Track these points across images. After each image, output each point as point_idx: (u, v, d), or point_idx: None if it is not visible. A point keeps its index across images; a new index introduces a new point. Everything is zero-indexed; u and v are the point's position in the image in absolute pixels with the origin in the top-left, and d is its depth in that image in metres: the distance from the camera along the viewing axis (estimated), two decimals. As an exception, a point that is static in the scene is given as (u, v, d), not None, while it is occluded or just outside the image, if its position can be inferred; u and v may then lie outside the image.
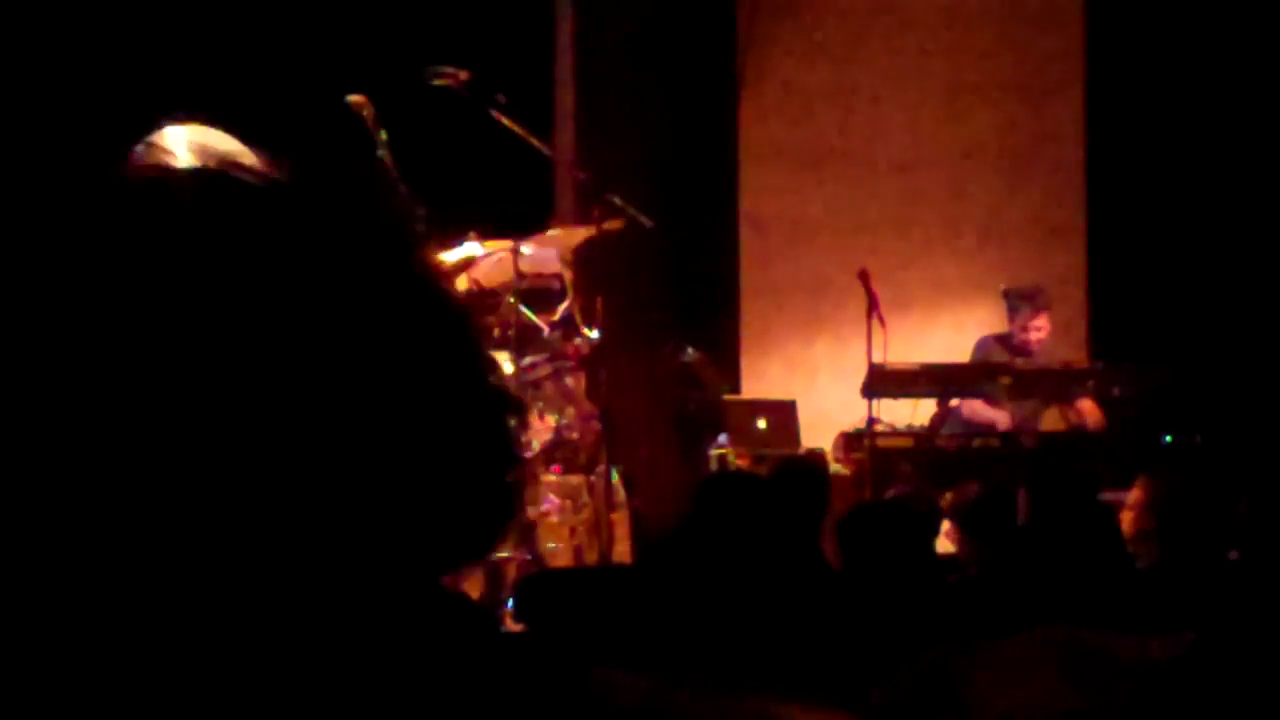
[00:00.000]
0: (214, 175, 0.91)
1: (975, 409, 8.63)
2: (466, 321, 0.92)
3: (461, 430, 0.89)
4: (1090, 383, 8.58)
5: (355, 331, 0.87)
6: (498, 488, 0.92)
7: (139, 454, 0.83)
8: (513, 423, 0.93)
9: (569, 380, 7.26)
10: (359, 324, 0.87)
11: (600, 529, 7.21)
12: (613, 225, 7.36)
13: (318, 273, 0.87)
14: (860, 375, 8.25)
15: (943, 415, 8.60)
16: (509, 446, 0.93)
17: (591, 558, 7.16)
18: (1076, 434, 8.49)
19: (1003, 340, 8.83)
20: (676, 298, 9.42)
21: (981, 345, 8.90)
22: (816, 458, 7.82)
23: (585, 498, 7.28)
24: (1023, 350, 8.70)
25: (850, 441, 8.38)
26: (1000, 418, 8.60)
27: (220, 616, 0.83)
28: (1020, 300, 8.78)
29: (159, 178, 0.90)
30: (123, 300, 0.85)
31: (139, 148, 0.94)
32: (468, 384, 0.90)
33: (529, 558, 6.94)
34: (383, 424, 0.86)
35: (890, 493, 7.25)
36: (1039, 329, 8.72)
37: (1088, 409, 8.58)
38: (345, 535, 0.85)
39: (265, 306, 0.86)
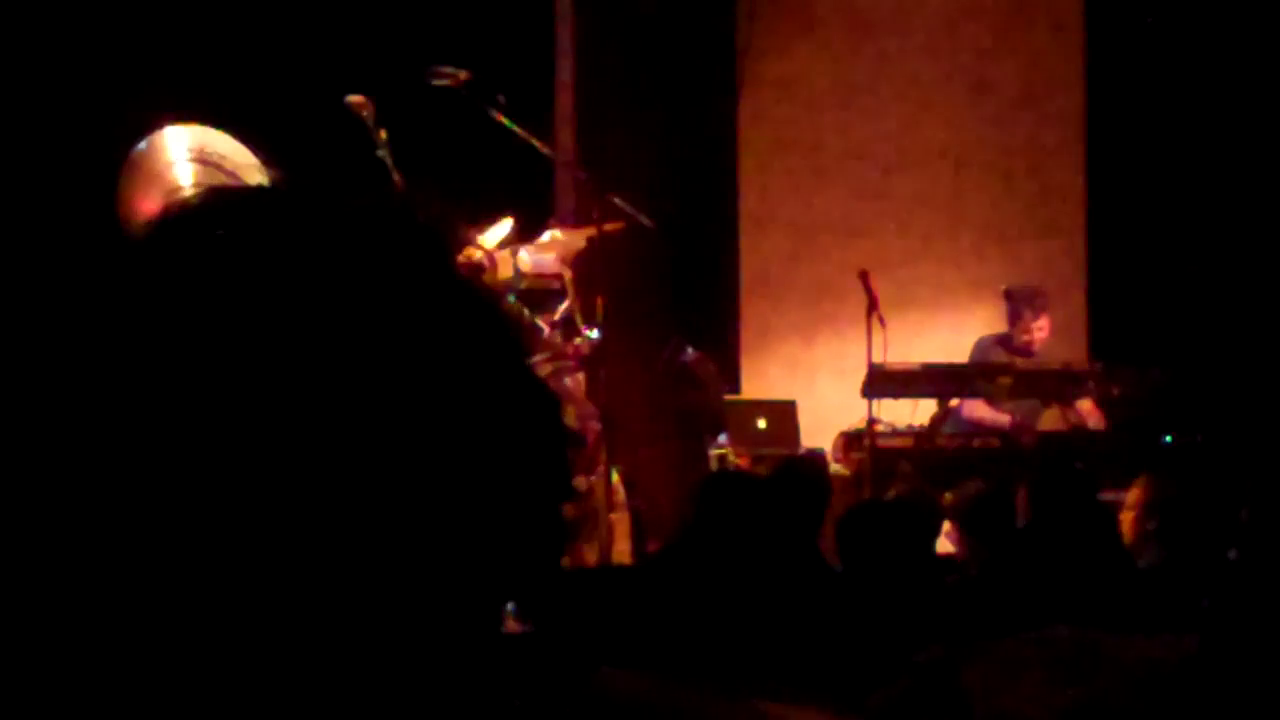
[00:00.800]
0: (249, 195, 0.90)
1: (976, 411, 8.62)
2: (524, 344, 0.90)
3: (516, 458, 0.88)
4: (1090, 383, 8.58)
5: (409, 350, 0.86)
6: (551, 520, 0.90)
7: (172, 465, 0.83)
8: (570, 456, 0.91)
9: (569, 380, 7.26)
10: (413, 343, 0.86)
11: (600, 529, 7.21)
12: (613, 227, 7.36)
13: (369, 293, 0.86)
14: (860, 375, 8.24)
15: (943, 415, 8.60)
16: (565, 479, 0.91)
17: (591, 558, 7.16)
18: (1076, 434, 8.48)
19: (1002, 341, 8.82)
20: (676, 298, 9.42)
21: (981, 346, 8.89)
22: (816, 458, 7.82)
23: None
24: (1025, 351, 8.70)
25: (850, 441, 8.37)
26: (1003, 420, 8.60)
27: (232, 623, 0.83)
28: (1022, 303, 8.77)
29: (202, 204, 0.89)
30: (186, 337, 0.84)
31: (141, 145, 0.93)
32: (524, 410, 0.89)
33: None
34: (435, 449, 0.85)
35: (890, 493, 7.25)
36: (1041, 329, 8.73)
37: (1088, 410, 8.58)
38: (389, 565, 0.84)
39: (327, 331, 0.84)
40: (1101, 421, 8.54)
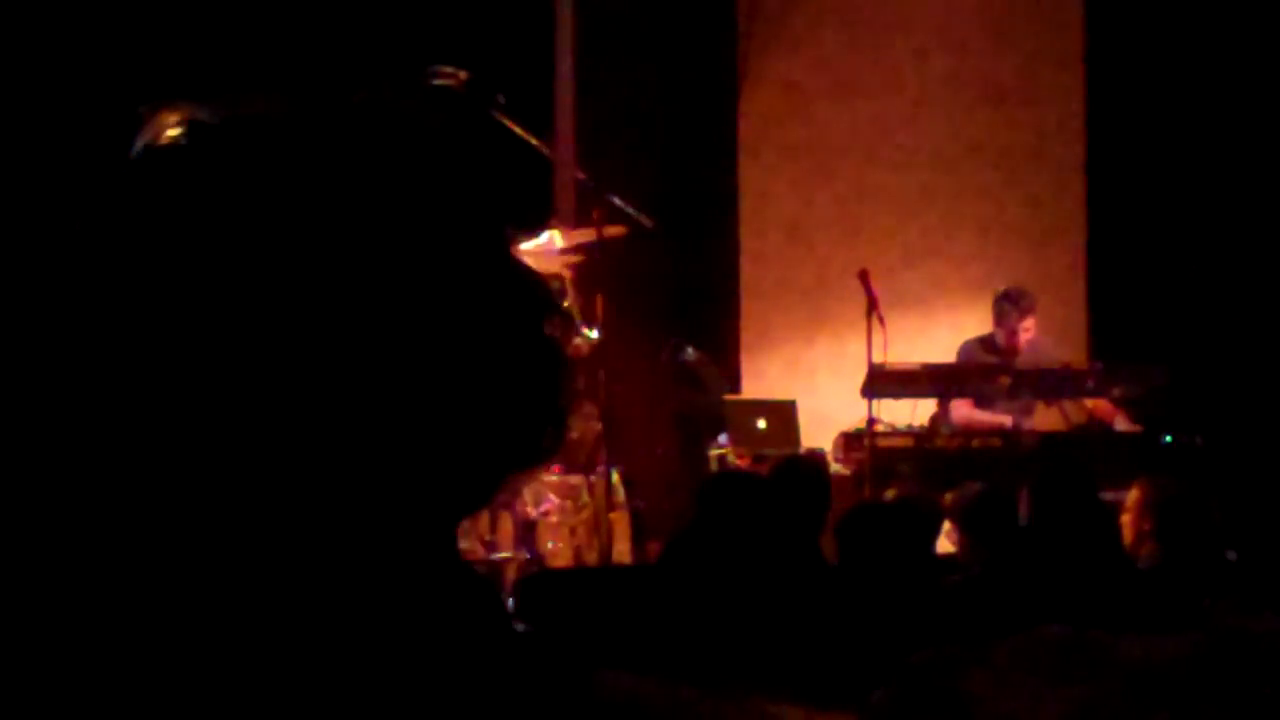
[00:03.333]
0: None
1: (963, 412, 8.59)
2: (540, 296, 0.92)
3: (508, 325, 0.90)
4: (1090, 383, 8.56)
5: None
6: (545, 394, 0.92)
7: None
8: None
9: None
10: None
11: (600, 529, 7.21)
12: (614, 232, 7.36)
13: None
14: (860, 375, 8.24)
15: (943, 415, 8.60)
16: (554, 350, 0.93)
17: (591, 558, 7.16)
18: (1076, 434, 8.47)
19: (985, 342, 8.79)
20: (676, 297, 9.42)
21: (965, 349, 8.85)
22: (816, 458, 7.81)
23: (585, 498, 7.28)
24: (1010, 352, 8.66)
25: (850, 441, 8.36)
26: (989, 419, 8.58)
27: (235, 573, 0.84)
28: (1008, 304, 8.70)
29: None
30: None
31: (139, 145, 0.93)
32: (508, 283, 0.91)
33: (529, 557, 6.94)
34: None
35: (890, 493, 7.25)
36: (1027, 330, 8.69)
37: (1102, 408, 8.52)
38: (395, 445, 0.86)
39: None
40: (1124, 420, 8.48)
